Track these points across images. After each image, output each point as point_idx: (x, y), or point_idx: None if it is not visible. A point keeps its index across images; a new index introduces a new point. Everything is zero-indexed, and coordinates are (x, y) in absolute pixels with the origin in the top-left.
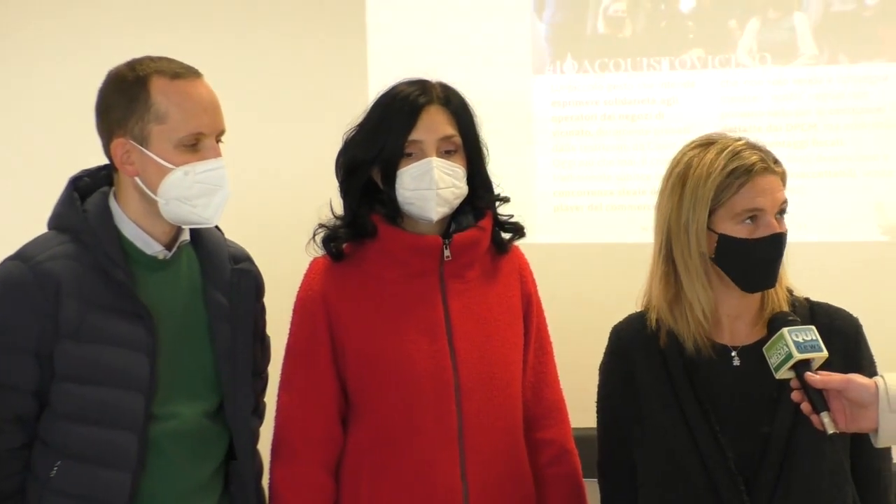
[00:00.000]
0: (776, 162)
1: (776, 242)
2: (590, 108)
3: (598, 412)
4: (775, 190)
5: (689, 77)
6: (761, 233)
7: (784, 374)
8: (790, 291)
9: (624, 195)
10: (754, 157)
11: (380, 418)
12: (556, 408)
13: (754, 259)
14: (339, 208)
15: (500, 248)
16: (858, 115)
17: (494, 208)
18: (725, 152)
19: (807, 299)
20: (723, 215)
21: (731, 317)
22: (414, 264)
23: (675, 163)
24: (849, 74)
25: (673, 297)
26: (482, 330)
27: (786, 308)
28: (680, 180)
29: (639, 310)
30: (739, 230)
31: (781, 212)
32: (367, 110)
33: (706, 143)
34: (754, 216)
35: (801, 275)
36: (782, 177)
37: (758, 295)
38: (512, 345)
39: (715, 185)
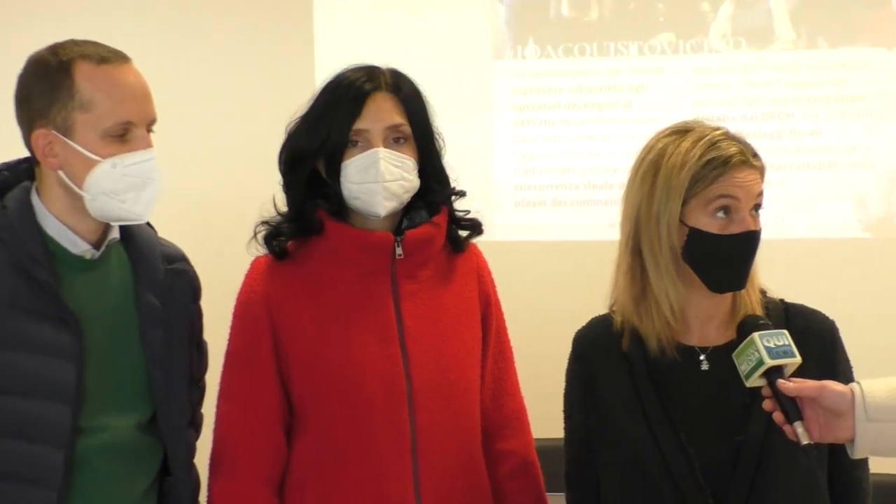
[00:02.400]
0: (755, 155)
1: (749, 240)
2: (553, 96)
3: (564, 420)
4: (752, 184)
5: (659, 63)
6: (734, 229)
7: (755, 381)
8: (764, 292)
9: (590, 189)
10: (733, 149)
11: (327, 429)
12: (517, 417)
13: (724, 257)
14: (282, 204)
15: (456, 247)
16: (838, 103)
17: (450, 203)
18: (703, 141)
19: (782, 301)
20: (695, 207)
21: (701, 318)
22: (363, 263)
23: (648, 150)
24: (828, 60)
25: (639, 293)
26: (437, 333)
27: (759, 310)
28: (652, 168)
29: (606, 311)
30: (711, 224)
31: (756, 207)
32: (312, 99)
33: (682, 131)
34: (727, 209)
35: (776, 274)
36: (761, 172)
37: (729, 295)
38: (469, 349)
39: (690, 175)
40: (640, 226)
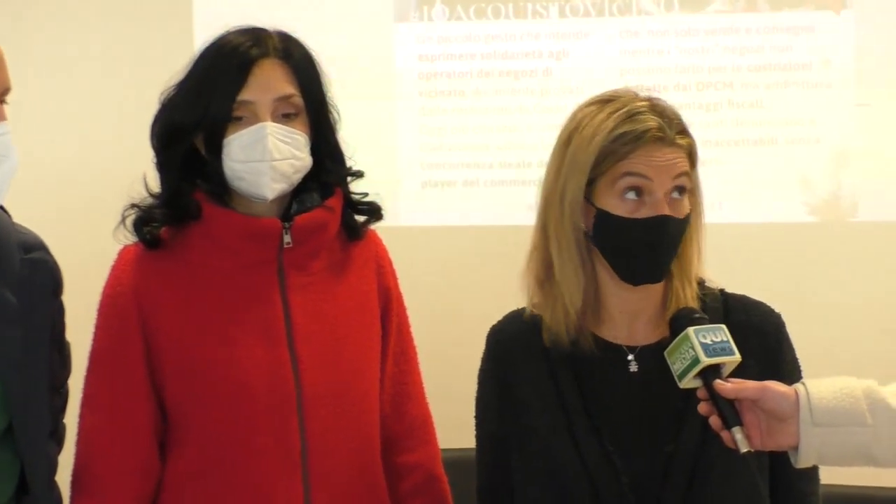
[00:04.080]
0: (682, 132)
1: (660, 226)
2: (464, 64)
3: (476, 428)
4: (671, 165)
5: (583, 26)
6: (644, 212)
7: (689, 382)
8: (701, 282)
9: (505, 168)
10: (651, 123)
11: (206, 441)
12: (421, 425)
13: (633, 244)
14: (154, 184)
15: (353, 234)
16: (781, 72)
17: (346, 185)
18: (619, 113)
19: (721, 291)
20: (603, 186)
21: (627, 313)
22: (246, 252)
23: (569, 120)
24: (770, 24)
25: (544, 276)
26: (330, 332)
27: (694, 304)
28: (566, 140)
29: (523, 305)
30: (619, 206)
31: (680, 190)
32: (190, 65)
33: (605, 101)
34: (639, 190)
35: (712, 262)
36: (687, 150)
37: (659, 287)
38: (367, 350)
39: (597, 150)
40: (548, 203)
